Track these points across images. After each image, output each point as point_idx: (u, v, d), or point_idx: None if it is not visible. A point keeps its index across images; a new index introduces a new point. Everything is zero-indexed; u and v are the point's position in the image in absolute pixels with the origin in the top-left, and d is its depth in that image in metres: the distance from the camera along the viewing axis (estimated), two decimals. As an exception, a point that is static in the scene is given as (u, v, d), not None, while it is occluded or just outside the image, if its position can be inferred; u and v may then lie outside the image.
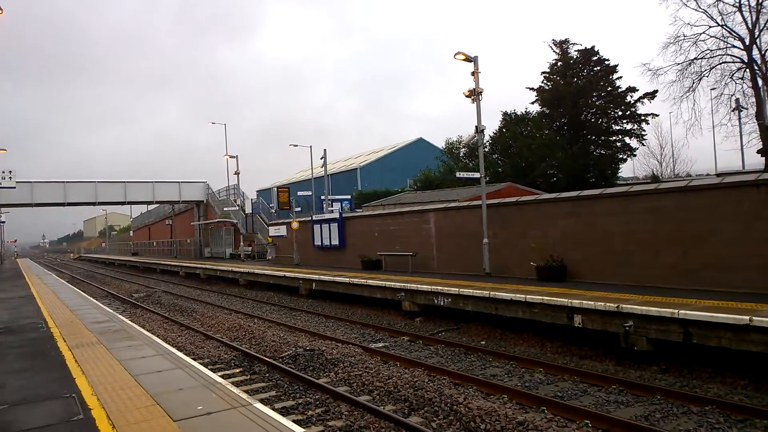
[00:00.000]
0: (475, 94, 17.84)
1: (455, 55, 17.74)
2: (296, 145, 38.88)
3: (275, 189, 35.31)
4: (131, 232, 73.82)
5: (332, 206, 36.42)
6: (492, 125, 36.38)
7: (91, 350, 8.76)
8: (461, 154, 36.06)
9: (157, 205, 53.03)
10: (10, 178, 10.86)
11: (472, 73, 17.90)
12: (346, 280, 18.59)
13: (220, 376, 9.77)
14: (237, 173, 33.62)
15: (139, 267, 46.94)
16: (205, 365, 11.94)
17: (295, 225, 27.44)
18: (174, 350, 9.25)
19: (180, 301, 23.35)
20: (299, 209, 36.02)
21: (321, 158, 31.76)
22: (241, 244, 33.93)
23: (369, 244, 22.84)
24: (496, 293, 12.92)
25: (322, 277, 20.05)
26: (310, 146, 39.01)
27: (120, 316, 14.15)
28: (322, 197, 39.72)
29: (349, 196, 40.26)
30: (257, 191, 63.93)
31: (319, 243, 26.19)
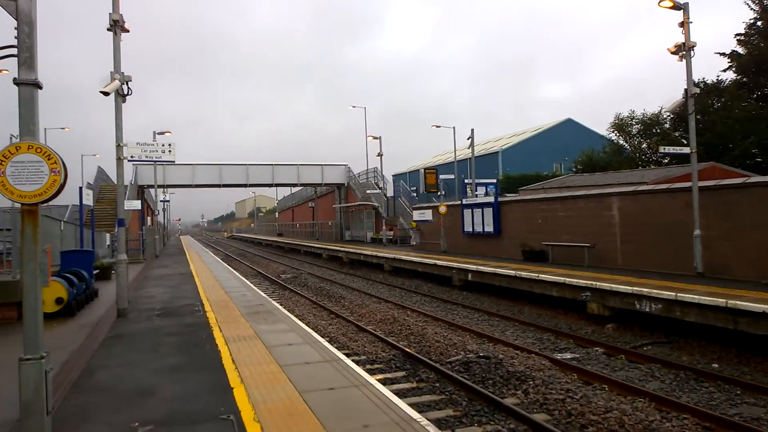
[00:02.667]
0: (684, 49, 14.21)
1: (660, 2, 14.21)
2: (439, 126, 36.91)
3: (422, 171, 33.64)
4: (277, 213, 77.91)
5: (476, 190, 33.93)
6: (659, 99, 31.02)
7: (247, 346, 7.43)
8: (634, 132, 31.18)
9: (301, 187, 54.60)
10: (170, 151, 10.07)
11: (681, 24, 14.29)
12: (511, 272, 16.10)
13: (379, 380, 8.22)
14: (380, 155, 32.49)
15: (284, 247, 48.57)
16: (362, 364, 10.43)
17: (442, 209, 25.45)
18: (327, 344, 7.81)
19: (326, 285, 22.62)
20: (442, 194, 33.98)
21: (468, 138, 29.34)
22: (383, 227, 32.85)
23: (530, 232, 20.05)
24: (737, 303, 9.65)
25: (480, 268, 17.77)
26: (453, 127, 36.81)
27: (270, 300, 13.22)
28: (466, 181, 37.38)
29: (494, 180, 37.37)
30: (393, 175, 63.32)
31: (470, 229, 23.91)
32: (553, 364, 9.94)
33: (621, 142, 32.02)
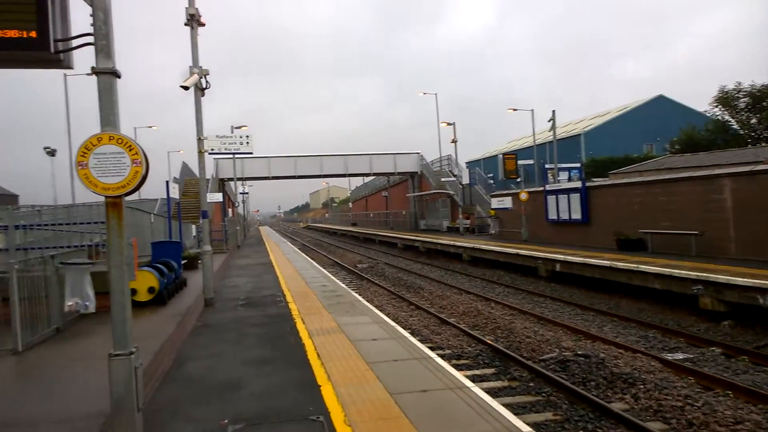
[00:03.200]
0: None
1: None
2: (516, 109, 35.44)
3: (500, 156, 32.37)
4: (350, 203, 78.78)
5: (558, 176, 32.22)
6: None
7: (331, 340, 7.10)
8: (741, 106, 28.17)
9: (374, 177, 54.61)
10: (248, 143, 9.99)
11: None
12: (606, 263, 14.90)
13: (468, 376, 7.61)
14: (454, 141, 31.56)
15: (359, 237, 48.85)
16: (447, 359, 9.88)
17: (523, 196, 24.25)
18: (414, 340, 7.33)
19: (403, 274, 22.24)
20: (521, 180, 32.56)
21: (549, 120, 27.81)
22: (460, 216, 32.00)
23: (624, 219, 18.56)
24: None
25: (569, 258, 16.64)
26: (532, 110, 35.21)
27: (349, 290, 12.98)
28: (547, 166, 35.65)
29: (578, 165, 35.34)
30: (466, 163, 61.89)
31: (555, 217, 22.60)
32: (664, 366, 8.95)
33: (726, 117, 29.04)
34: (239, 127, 31.99)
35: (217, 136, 10.65)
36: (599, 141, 48.86)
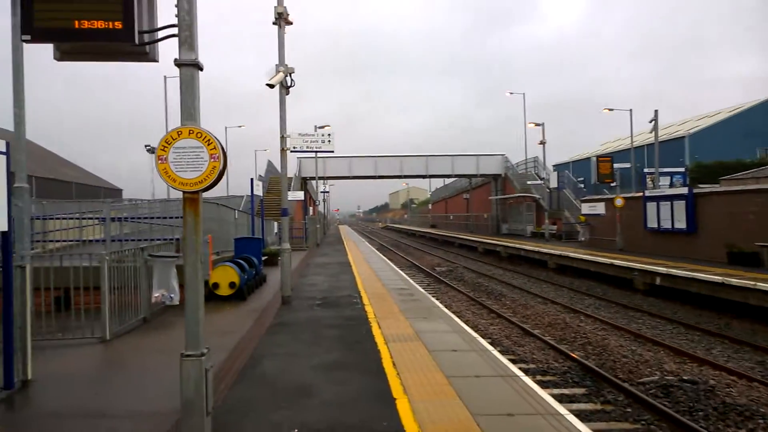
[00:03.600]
0: None
1: None
2: (611, 110, 33.26)
3: (593, 159, 30.46)
4: (429, 205, 78.23)
5: (659, 181, 29.85)
6: None
7: (408, 348, 6.70)
8: None
9: (455, 178, 53.72)
10: (329, 141, 9.85)
11: None
12: (717, 278, 13.39)
13: (555, 395, 7.00)
14: (543, 143, 30.08)
15: (438, 239, 48.22)
16: (531, 374, 9.16)
17: (619, 202, 22.59)
18: (498, 355, 6.73)
19: (483, 280, 21.44)
20: (616, 185, 30.45)
21: (650, 121, 25.74)
22: (546, 221, 30.52)
23: (737, 231, 16.67)
24: None
25: (672, 271, 15.15)
26: (630, 109, 32.87)
27: (427, 294, 12.54)
28: (646, 170, 33.22)
29: (682, 169, 32.59)
30: (553, 166, 59.26)
31: (654, 225, 20.82)
32: (789, 400, 7.75)
33: None
34: (321, 127, 32.55)
35: (299, 134, 10.63)
36: (706, 144, 44.76)
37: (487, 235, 40.35)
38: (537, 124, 29.69)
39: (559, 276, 22.17)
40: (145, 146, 37.91)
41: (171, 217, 13.15)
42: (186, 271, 3.80)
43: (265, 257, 15.89)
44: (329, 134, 10.64)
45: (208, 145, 3.83)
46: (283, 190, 10.73)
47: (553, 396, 7.64)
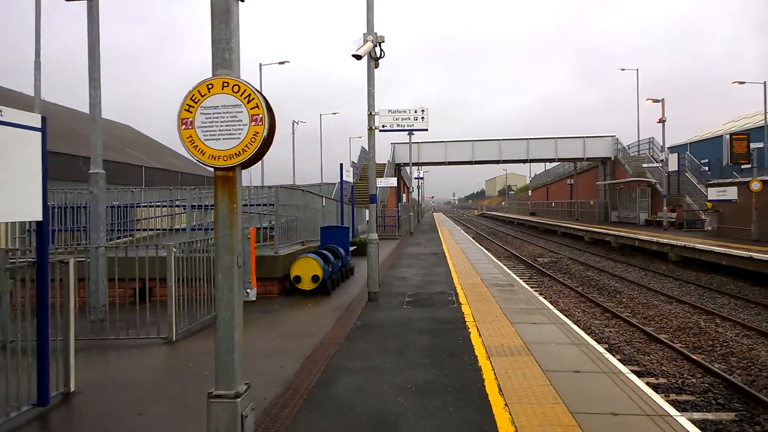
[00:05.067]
0: None
1: None
2: (742, 82, 28.94)
3: (726, 137, 26.53)
4: (529, 191, 74.51)
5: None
6: None
7: (516, 366, 5.41)
8: None
9: (558, 163, 50.32)
10: (423, 118, 8.69)
11: None
12: None
13: (696, 421, 6.07)
14: (662, 121, 26.57)
15: (538, 228, 45.44)
16: (663, 392, 7.53)
17: (755, 186, 19.29)
18: (637, 380, 5.16)
19: (593, 273, 19.29)
20: (747, 166, 26.38)
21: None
22: (664, 208, 27.18)
23: None
24: None
25: (838, 268, 12.36)
26: (765, 81, 28.36)
27: (531, 290, 11.02)
28: (785, 149, 28.56)
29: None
30: (668, 148, 53.62)
31: (804, 212, 17.49)
32: None
33: None
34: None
35: (389, 111, 9.56)
36: None
37: (594, 223, 37.15)
38: (656, 101, 26.35)
39: (683, 270, 19.42)
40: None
41: (263, 204, 12.64)
42: (218, 278, 2.85)
43: (354, 247, 15.13)
44: (423, 110, 9.47)
45: (248, 102, 2.80)
46: (371, 174, 9.75)
47: (694, 422, 6.07)
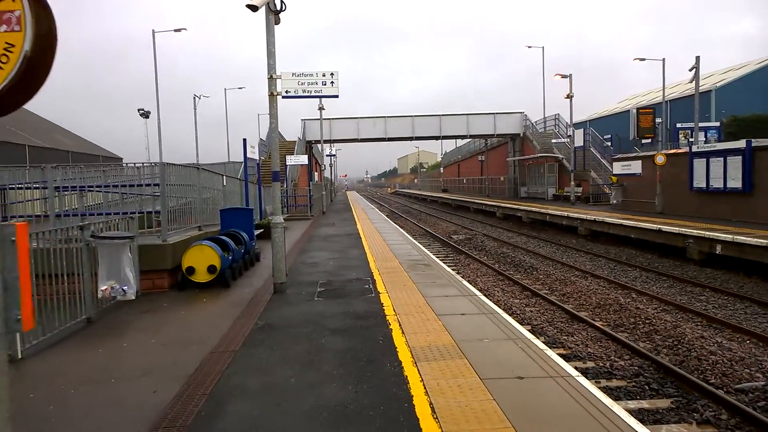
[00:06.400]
0: None
1: None
2: (643, 59, 30.27)
3: (633, 111, 27.57)
4: (441, 169, 75.47)
5: (692, 136, 27.20)
6: None
7: (450, 372, 4.53)
8: None
9: (467, 141, 50.91)
10: (332, 83, 7.52)
11: None
12: (802, 247, 11.08)
13: (633, 410, 5.81)
14: (570, 96, 27.16)
15: (451, 204, 45.86)
16: (593, 378, 7.11)
17: (660, 159, 20.05)
18: (574, 372, 4.45)
19: (508, 249, 19.24)
20: (659, 140, 27.58)
21: (691, 69, 22.91)
22: (572, 183, 28.01)
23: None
24: None
25: (738, 238, 12.84)
26: (663, 59, 29.90)
27: (452, 273, 10.35)
28: (678, 125, 30.45)
29: (716, 124, 29.81)
30: (571, 124, 56.17)
31: (702, 185, 18.35)
32: None
33: None
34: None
35: (293, 74, 8.26)
36: (734, 98, 41.59)
37: (505, 198, 37.94)
38: (564, 76, 26.83)
39: (592, 243, 19.91)
40: (139, 110, 35.69)
41: (147, 185, 10.85)
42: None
43: (261, 230, 13.72)
44: (332, 73, 8.27)
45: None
46: (273, 149, 8.45)
47: (630, 411, 5.59)
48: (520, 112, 38.82)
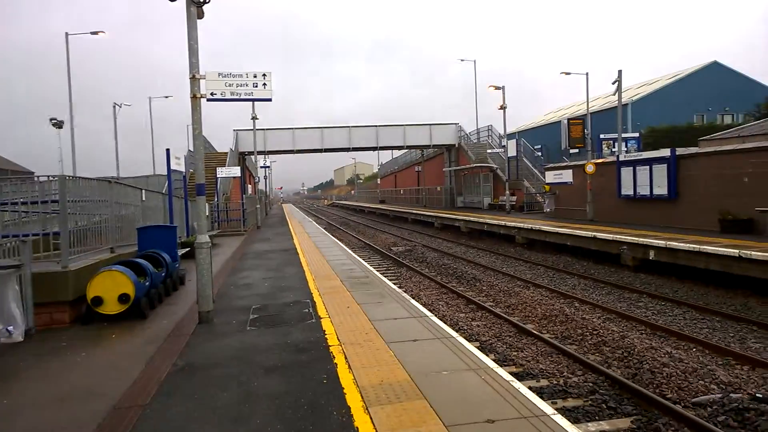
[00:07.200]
0: None
1: None
2: (569, 73, 31.30)
3: (564, 122, 28.33)
4: (378, 179, 75.25)
5: (614, 147, 28.31)
6: None
7: (410, 422, 3.84)
8: None
9: (405, 151, 50.93)
10: (265, 84, 6.74)
11: None
12: (731, 251, 11.36)
13: None
14: (503, 107, 27.57)
15: (389, 215, 45.53)
16: (547, 397, 6.68)
17: (590, 168, 20.53)
18: (508, 377, 3.98)
19: (449, 260, 18.93)
20: (588, 150, 28.39)
21: (614, 82, 23.77)
22: (507, 192, 28.35)
23: (728, 196, 14.86)
24: None
25: (671, 244, 13.08)
26: (586, 73, 31.05)
27: (399, 290, 9.72)
28: (602, 136, 31.68)
29: (636, 134, 31.29)
30: (499, 136, 57.77)
31: (630, 192, 18.88)
32: None
33: None
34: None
35: (220, 75, 7.36)
36: (647, 111, 44.19)
37: (442, 208, 38.03)
38: (497, 88, 27.17)
39: (529, 252, 20.01)
40: (51, 120, 32.83)
41: (53, 201, 9.47)
42: None
43: (187, 249, 12.54)
44: (264, 74, 7.46)
45: None
46: (197, 158, 7.49)
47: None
48: (455, 124, 39.19)
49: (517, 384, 4.45)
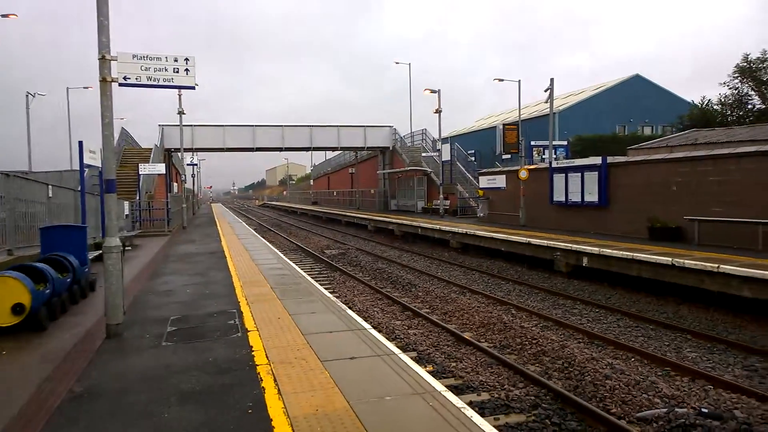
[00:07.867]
0: None
1: None
2: (502, 80, 32.03)
3: (500, 127, 28.72)
4: (311, 181, 74.04)
5: (544, 154, 29.20)
6: None
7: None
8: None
9: (340, 152, 50.28)
10: (187, 70, 5.99)
11: None
12: (663, 259, 11.68)
13: None
14: (439, 111, 27.60)
15: (322, 217, 44.70)
16: (493, 414, 6.43)
17: (523, 174, 20.87)
18: (459, 403, 3.65)
19: (383, 264, 18.56)
20: (522, 156, 28.94)
21: (546, 90, 24.44)
22: (441, 196, 28.43)
23: (657, 203, 15.47)
24: None
25: (605, 251, 13.35)
26: (519, 80, 31.87)
27: (332, 297, 9.21)
28: (533, 143, 32.59)
29: (564, 142, 32.44)
30: (432, 141, 58.53)
31: (561, 199, 19.35)
32: None
33: (746, 90, 26.37)
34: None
35: (135, 57, 6.51)
36: (573, 121, 46.25)
37: (376, 211, 37.73)
38: (433, 91, 27.18)
39: (463, 256, 20.03)
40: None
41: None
42: None
43: (99, 251, 11.32)
44: (186, 59, 6.69)
45: None
46: (107, 150, 6.58)
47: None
48: (390, 126, 39.07)
49: (469, 411, 4.02)
